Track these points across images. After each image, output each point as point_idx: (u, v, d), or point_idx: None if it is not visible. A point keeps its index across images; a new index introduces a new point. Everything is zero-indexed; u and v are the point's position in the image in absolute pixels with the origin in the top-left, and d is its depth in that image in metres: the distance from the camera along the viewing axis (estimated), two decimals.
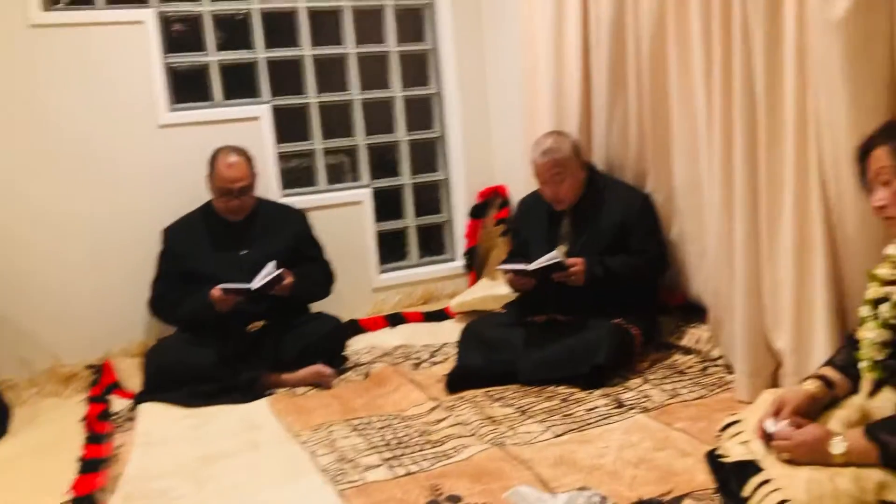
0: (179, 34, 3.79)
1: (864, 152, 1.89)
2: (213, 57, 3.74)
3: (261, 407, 2.99)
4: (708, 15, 2.69)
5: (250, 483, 2.39)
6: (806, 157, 2.37)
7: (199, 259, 3.27)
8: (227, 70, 3.79)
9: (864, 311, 1.90)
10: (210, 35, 3.72)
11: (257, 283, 3.07)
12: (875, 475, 1.70)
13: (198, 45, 3.73)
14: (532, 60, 3.71)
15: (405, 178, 4.21)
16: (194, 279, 3.22)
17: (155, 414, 2.96)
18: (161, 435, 2.78)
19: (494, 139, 4.25)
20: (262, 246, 3.30)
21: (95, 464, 2.58)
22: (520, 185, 3.83)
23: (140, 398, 3.07)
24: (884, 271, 1.89)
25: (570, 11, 3.44)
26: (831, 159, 2.26)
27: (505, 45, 4.01)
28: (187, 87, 3.73)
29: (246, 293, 3.08)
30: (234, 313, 3.17)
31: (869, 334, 1.84)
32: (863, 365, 1.88)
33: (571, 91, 3.52)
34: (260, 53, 3.82)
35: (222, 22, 3.80)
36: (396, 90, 4.13)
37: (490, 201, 4.20)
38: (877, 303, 1.86)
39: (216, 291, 3.09)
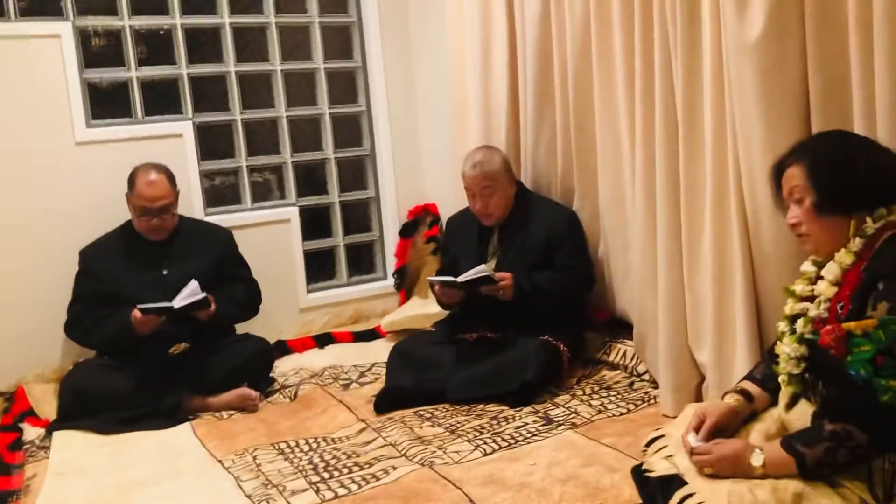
0: (99, 49, 3.68)
1: (778, 171, 1.94)
2: (134, 72, 3.64)
3: (183, 432, 2.91)
4: (630, 36, 2.75)
5: None
6: (724, 177, 2.43)
7: (119, 280, 3.16)
8: (149, 86, 3.70)
9: (782, 326, 1.95)
10: (131, 50, 3.62)
11: (179, 301, 2.98)
12: (792, 486, 1.74)
13: (118, 60, 3.63)
14: (460, 79, 3.74)
15: (333, 195, 4.17)
16: (114, 301, 3.12)
17: (70, 442, 2.84)
18: (76, 464, 2.67)
19: (424, 156, 4.25)
20: (185, 265, 3.21)
21: (5, 497, 2.46)
22: (450, 202, 3.84)
23: (55, 426, 2.95)
24: (800, 287, 1.94)
25: (496, 31, 3.49)
26: (748, 178, 2.33)
27: (434, 62, 4.02)
28: (107, 103, 3.62)
29: (168, 312, 2.99)
30: (155, 335, 3.07)
31: (786, 349, 1.88)
32: (781, 379, 1.93)
33: (499, 110, 3.55)
34: (183, 69, 3.74)
35: (144, 37, 3.71)
36: (324, 107, 4.09)
37: (420, 219, 4.19)
38: (793, 318, 1.91)
39: (137, 313, 2.99)
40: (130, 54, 3.63)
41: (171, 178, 3.23)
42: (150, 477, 2.54)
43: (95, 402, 2.95)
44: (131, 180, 3.20)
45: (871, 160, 1.80)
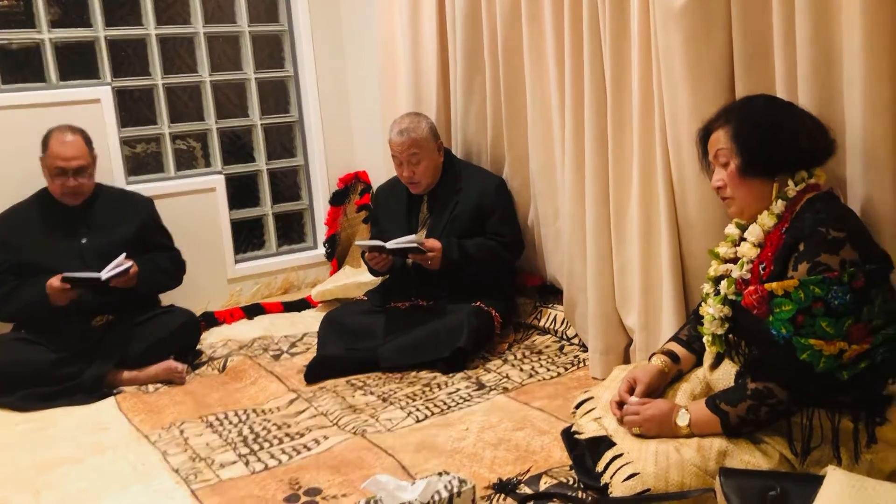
0: (6, 9, 3.49)
1: (704, 135, 1.97)
2: (46, 35, 3.47)
3: (107, 407, 2.82)
4: (559, 4, 2.74)
5: (95, 488, 2.24)
6: (651, 143, 2.45)
7: (35, 250, 3.02)
8: (64, 49, 3.53)
9: (706, 288, 1.99)
10: (42, 11, 3.44)
11: (107, 272, 2.88)
12: (717, 444, 1.79)
13: (29, 21, 3.45)
14: (390, 47, 3.68)
15: (261, 163, 4.08)
16: (30, 272, 2.99)
17: None
18: None
19: (354, 123, 4.18)
20: (105, 234, 3.10)
21: None
22: (381, 170, 3.79)
23: None
24: (723, 250, 1.98)
25: None
26: (674, 143, 2.35)
27: (363, 25, 3.94)
28: (18, 67, 3.44)
29: (95, 283, 2.88)
30: (77, 306, 2.97)
31: (710, 310, 1.93)
32: (705, 339, 1.98)
33: (429, 78, 3.52)
34: (100, 32, 3.57)
35: None
36: (250, 72, 3.98)
37: (351, 187, 4.13)
38: (717, 280, 1.95)
39: (55, 281, 2.88)
40: (42, 15, 3.45)
41: (87, 140, 3.11)
42: (71, 454, 2.45)
43: (12, 378, 2.84)
44: (45, 142, 3.07)
45: (794, 124, 1.84)
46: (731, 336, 1.91)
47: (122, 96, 3.65)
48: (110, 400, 2.87)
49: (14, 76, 3.43)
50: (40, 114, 3.34)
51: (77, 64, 3.57)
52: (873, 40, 1.80)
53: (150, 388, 2.98)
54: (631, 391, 1.98)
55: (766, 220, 1.85)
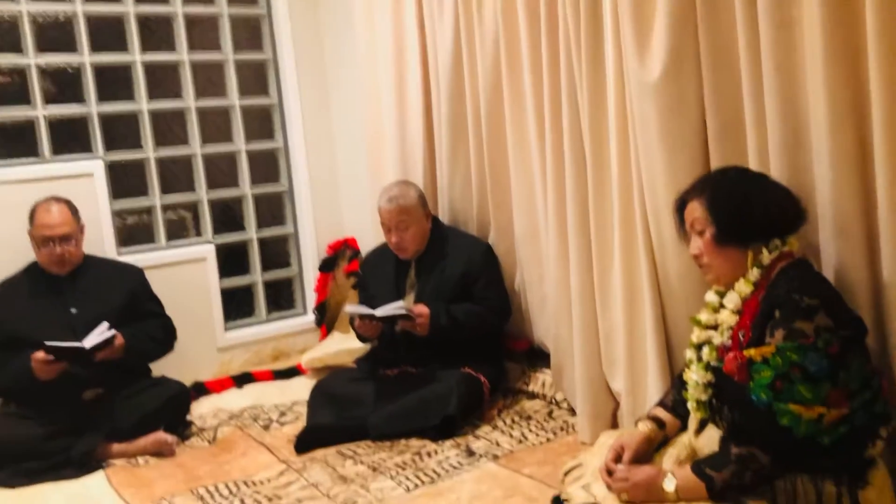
0: (2, 86, 3.57)
1: (680, 205, 2.04)
2: (40, 111, 3.55)
3: (97, 481, 2.81)
4: (538, 77, 2.85)
5: None
6: (630, 210, 2.52)
7: (24, 322, 3.03)
8: (57, 124, 3.61)
9: (689, 354, 2.03)
10: (37, 87, 3.53)
11: (91, 340, 2.89)
12: None
13: (23, 97, 3.53)
14: (376, 121, 3.77)
15: (251, 232, 4.13)
16: (20, 344, 2.98)
17: None
18: None
19: (343, 191, 4.26)
20: (95, 304, 3.11)
21: None
22: (369, 236, 3.85)
23: None
24: (705, 316, 2.03)
25: (410, 73, 3.55)
26: (652, 211, 2.42)
27: (350, 99, 4.05)
28: (11, 142, 3.51)
29: (78, 352, 2.89)
30: (67, 379, 2.96)
31: (694, 376, 1.97)
32: (690, 405, 2.01)
33: (415, 149, 3.60)
34: (93, 107, 3.66)
35: (50, 74, 3.62)
36: (240, 144, 4.06)
37: (340, 253, 4.18)
38: (699, 346, 2.00)
39: (39, 354, 2.88)
40: (36, 92, 3.54)
41: (73, 209, 3.16)
42: None
43: (1, 456, 2.82)
44: (32, 214, 3.12)
45: (766, 195, 1.91)
46: (714, 401, 1.94)
47: (113, 169, 3.72)
48: (100, 474, 2.86)
49: (7, 150, 3.49)
50: (34, 188, 3.37)
51: (70, 138, 3.64)
52: (838, 116, 1.89)
53: (140, 460, 2.97)
54: (618, 458, 2.00)
55: (744, 287, 1.90)
